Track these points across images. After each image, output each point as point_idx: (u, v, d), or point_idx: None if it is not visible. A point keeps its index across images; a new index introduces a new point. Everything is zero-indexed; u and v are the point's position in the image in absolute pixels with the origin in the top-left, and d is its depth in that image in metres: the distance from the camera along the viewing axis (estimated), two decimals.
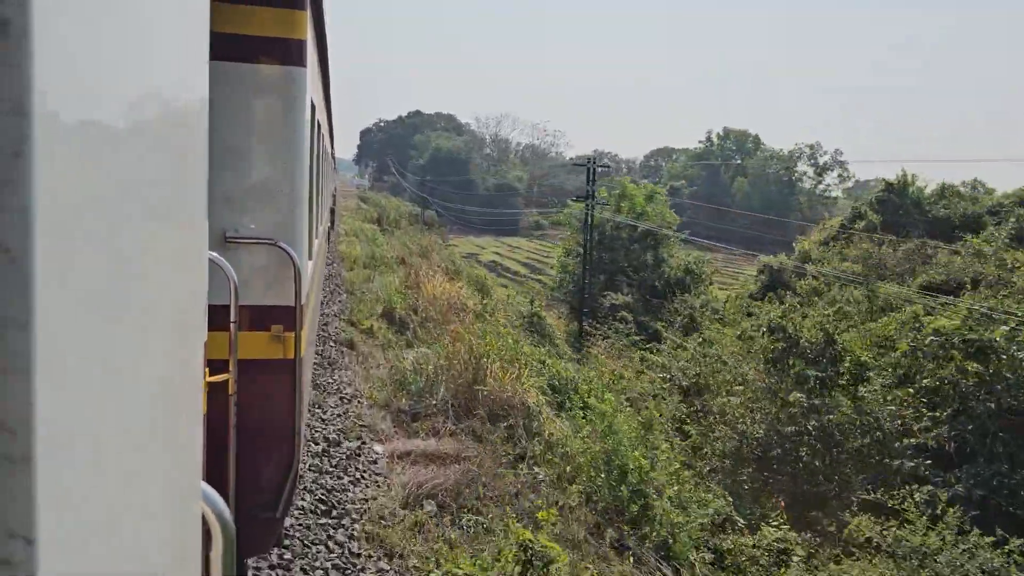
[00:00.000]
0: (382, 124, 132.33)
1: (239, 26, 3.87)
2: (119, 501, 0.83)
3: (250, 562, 4.93)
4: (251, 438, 3.99)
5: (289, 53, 4.00)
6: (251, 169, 3.99)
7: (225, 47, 3.77)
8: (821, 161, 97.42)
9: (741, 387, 18.70)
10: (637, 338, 28.98)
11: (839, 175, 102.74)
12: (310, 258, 5.00)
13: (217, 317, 3.52)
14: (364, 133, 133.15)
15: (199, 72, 1.19)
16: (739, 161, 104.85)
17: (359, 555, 5.86)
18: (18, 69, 0.55)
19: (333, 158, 22.64)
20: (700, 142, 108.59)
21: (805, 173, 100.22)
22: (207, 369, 2.93)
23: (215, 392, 3.59)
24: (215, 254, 3.50)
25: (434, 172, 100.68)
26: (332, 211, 21.68)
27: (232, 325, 3.66)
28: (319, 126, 6.37)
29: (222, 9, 3.74)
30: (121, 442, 0.84)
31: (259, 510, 4.17)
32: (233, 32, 3.84)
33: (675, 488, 10.46)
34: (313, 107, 4.92)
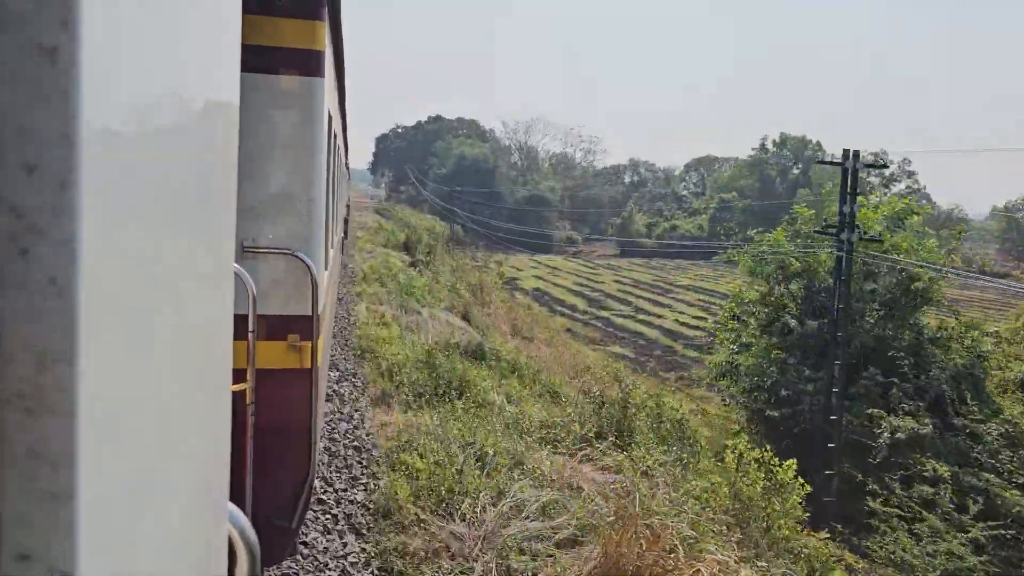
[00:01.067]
0: (400, 130, 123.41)
1: (257, 37, 3.91)
2: (155, 530, 0.84)
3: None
4: (268, 446, 3.96)
5: (307, 64, 4.06)
6: (269, 179, 4.03)
7: (244, 57, 2.92)
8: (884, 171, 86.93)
9: None
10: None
11: (907, 187, 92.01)
12: (326, 267, 5.08)
13: (236, 327, 2.67)
14: (380, 140, 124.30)
15: (233, 86, 1.19)
16: (796, 170, 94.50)
17: None
18: (66, 97, 0.56)
19: (347, 168, 22.22)
20: (753, 150, 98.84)
21: (869, 184, 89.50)
22: None
23: (233, 401, 2.95)
24: (238, 267, 3.37)
25: (458, 182, 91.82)
26: (346, 221, 21.43)
27: (250, 335, 3.68)
28: (335, 136, 6.43)
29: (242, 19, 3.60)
30: (158, 470, 0.84)
31: (274, 518, 4.14)
32: (251, 43, 3.83)
33: None
34: (330, 117, 5.00)
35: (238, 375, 3.61)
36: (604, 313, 41.55)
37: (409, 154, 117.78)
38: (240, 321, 3.47)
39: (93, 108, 0.58)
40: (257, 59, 3.92)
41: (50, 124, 0.55)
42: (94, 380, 0.60)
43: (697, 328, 37.72)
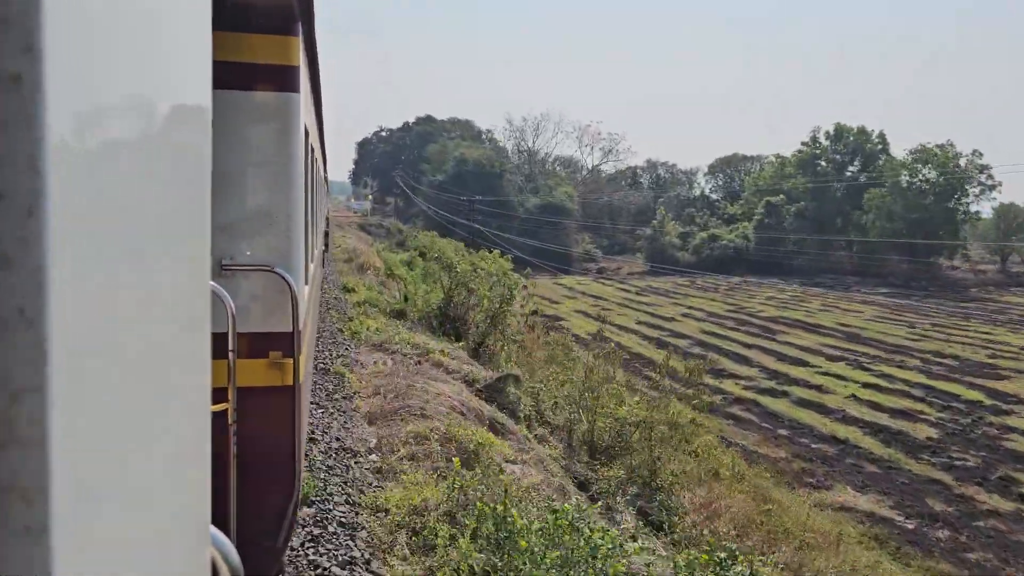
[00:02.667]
0: (384, 133, 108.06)
1: (232, 53, 3.88)
2: (135, 558, 0.83)
3: None
4: (251, 465, 3.93)
5: (283, 79, 4.04)
6: (246, 196, 3.99)
7: (219, 74, 3.25)
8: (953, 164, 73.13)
9: None
10: None
11: (980, 185, 77.81)
12: (306, 282, 5.07)
13: (215, 345, 3.37)
14: (362, 145, 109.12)
15: (204, 96, 1.18)
16: (854, 166, 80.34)
17: None
18: (31, 125, 0.55)
19: (326, 180, 21.80)
20: (804, 145, 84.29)
21: (930, 181, 75.23)
22: None
23: (214, 422, 3.26)
24: (216, 285, 3.43)
25: (457, 189, 75.81)
26: (327, 233, 22.29)
27: (230, 354, 3.62)
28: (312, 150, 6.47)
29: (216, 36, 3.64)
30: (136, 498, 0.84)
31: (260, 538, 4.10)
32: (226, 60, 3.82)
33: None
34: (307, 131, 5.01)
35: (219, 394, 3.58)
36: (729, 386, 26.57)
37: (395, 160, 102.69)
38: (220, 339, 3.51)
39: (59, 133, 0.57)
40: (232, 76, 3.88)
41: (15, 151, 0.54)
42: (66, 411, 0.59)
43: (911, 418, 22.85)
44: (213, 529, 1.32)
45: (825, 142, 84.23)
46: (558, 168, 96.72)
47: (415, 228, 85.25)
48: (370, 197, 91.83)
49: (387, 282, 32.94)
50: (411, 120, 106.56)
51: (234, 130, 3.93)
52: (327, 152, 18.12)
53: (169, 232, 0.96)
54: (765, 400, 24.71)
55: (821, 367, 29.83)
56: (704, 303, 51.38)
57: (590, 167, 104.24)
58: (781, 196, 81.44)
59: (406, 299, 20.93)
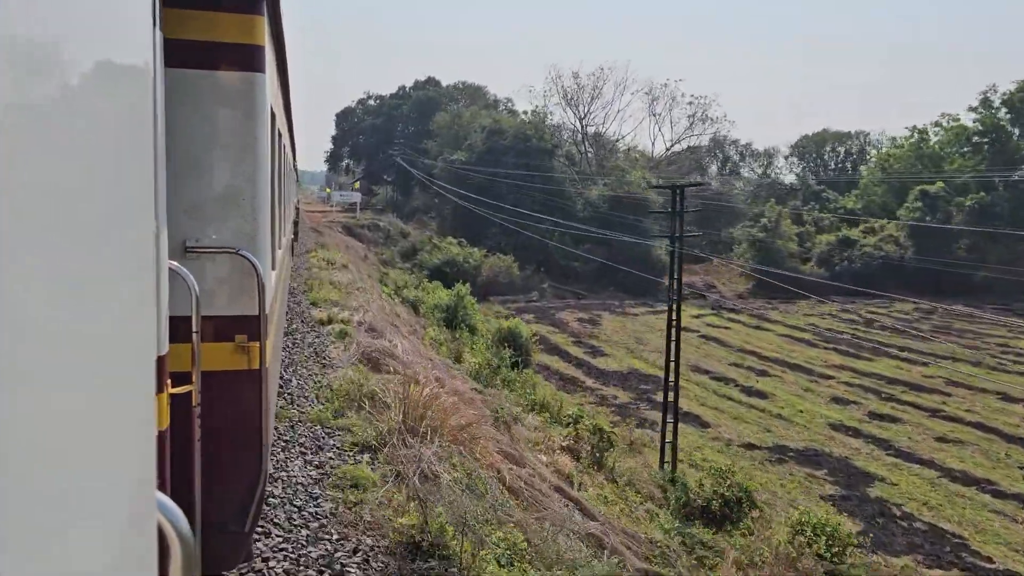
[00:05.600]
0: (373, 102, 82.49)
1: (195, 32, 3.82)
2: (61, 520, 0.82)
3: None
4: (217, 450, 3.89)
5: (247, 59, 3.96)
6: (211, 178, 3.94)
7: (182, 54, 3.67)
8: None
9: None
10: None
11: None
12: (273, 268, 5.04)
13: (179, 328, 3.43)
14: (343, 118, 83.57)
15: (144, 48, 1.10)
16: None
17: None
18: None
19: (296, 169, 22.05)
20: (972, 110, 60.53)
21: None
22: (170, 381, 2.85)
23: (178, 405, 3.35)
24: (175, 263, 3.34)
25: (487, 173, 51.04)
26: (296, 223, 21.04)
27: (194, 335, 3.55)
28: (280, 135, 6.41)
29: (177, 15, 3.68)
30: (61, 458, 0.83)
31: (226, 524, 4.06)
32: (189, 39, 3.77)
33: None
34: (273, 115, 4.94)
35: (184, 378, 3.55)
36: None
37: (387, 136, 77.54)
38: (184, 321, 3.48)
39: None
40: (195, 55, 3.81)
41: None
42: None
43: None
44: (162, 497, 1.30)
45: (1001, 105, 60.18)
46: (623, 143, 70.66)
47: (425, 229, 60.33)
48: (358, 185, 67.03)
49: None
50: (408, 84, 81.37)
51: (198, 111, 3.84)
52: (297, 140, 17.29)
53: (105, 203, 0.91)
54: None
55: None
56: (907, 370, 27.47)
57: (667, 142, 78.35)
58: (939, 184, 57.75)
59: None
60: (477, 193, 51.32)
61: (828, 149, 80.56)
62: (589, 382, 26.57)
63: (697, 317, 41.79)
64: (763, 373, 28.50)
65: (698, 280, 59.29)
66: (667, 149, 72.00)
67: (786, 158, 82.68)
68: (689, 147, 74.61)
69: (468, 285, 42.41)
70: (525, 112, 63.06)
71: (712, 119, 72.51)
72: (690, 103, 71.35)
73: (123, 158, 1.00)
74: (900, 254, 55.68)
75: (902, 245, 56.33)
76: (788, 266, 55.12)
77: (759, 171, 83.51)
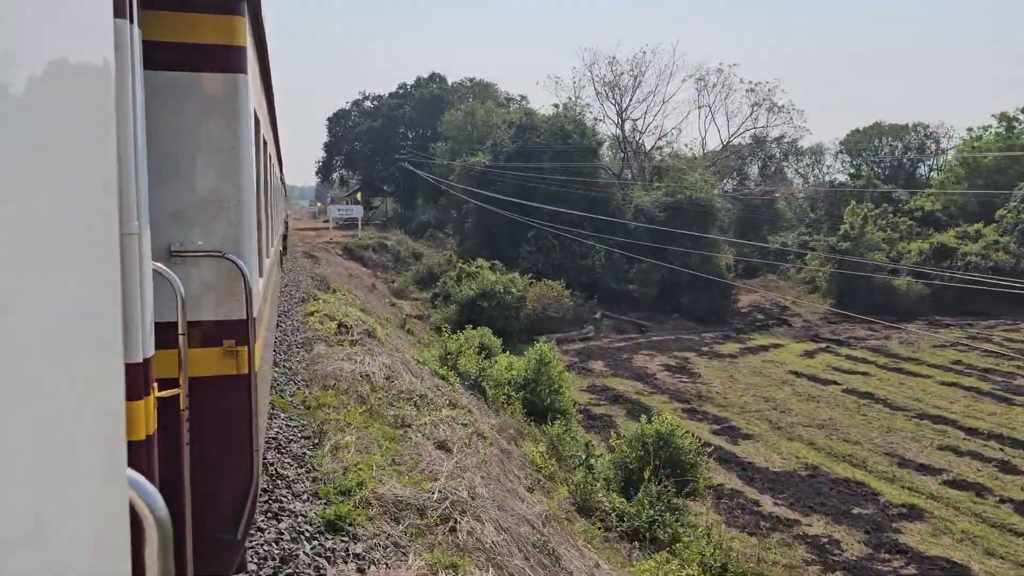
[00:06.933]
0: (371, 103, 73.11)
1: (175, 33, 3.81)
2: (39, 500, 0.83)
3: None
4: (208, 457, 3.88)
5: (228, 61, 3.93)
6: (195, 181, 3.92)
7: (163, 56, 3.69)
8: None
9: None
10: None
11: None
12: (261, 275, 5.01)
13: (166, 334, 3.48)
14: (336, 121, 73.95)
15: (103, 41, 1.10)
16: None
17: None
18: None
19: (283, 183, 21.49)
20: None
21: None
22: (155, 385, 2.93)
23: (166, 409, 3.40)
24: (161, 265, 3.40)
25: (516, 178, 41.75)
26: (285, 237, 20.73)
27: (180, 338, 3.55)
28: (265, 143, 6.34)
29: (157, 16, 3.68)
30: (40, 441, 0.85)
31: (218, 532, 4.00)
32: (168, 40, 3.76)
33: None
34: (257, 121, 4.91)
35: (173, 384, 3.53)
36: None
37: (386, 140, 68.07)
38: (171, 327, 3.49)
39: None
40: (176, 57, 3.78)
41: None
42: None
43: None
44: (135, 475, 1.27)
45: None
46: (668, 140, 60.37)
47: (439, 247, 50.63)
48: (360, 196, 57.09)
49: None
50: (410, 83, 71.85)
51: (179, 114, 3.82)
52: (285, 154, 17.26)
53: (55, 190, 0.90)
54: None
55: None
56: None
57: (722, 137, 67.80)
58: None
59: None
60: (507, 203, 41.76)
61: (883, 144, 71.56)
62: (764, 503, 16.85)
63: (810, 356, 32.31)
64: (1003, 465, 19.04)
65: (760, 299, 50.02)
66: (723, 144, 62.22)
67: (836, 155, 73.69)
68: (756, 138, 64.88)
69: (516, 322, 33.19)
70: (556, 105, 53.42)
71: (779, 107, 61.96)
72: (751, 90, 60.96)
73: (80, 157, 0.97)
74: (1010, 263, 46.53)
75: (1012, 253, 47.19)
76: (876, 282, 46.01)
77: (805, 171, 74.54)
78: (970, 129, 61.30)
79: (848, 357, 32.28)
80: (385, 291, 36.98)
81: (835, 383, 27.05)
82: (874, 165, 70.25)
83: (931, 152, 68.74)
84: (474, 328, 32.04)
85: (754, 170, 71.25)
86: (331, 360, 10.63)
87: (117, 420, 1.16)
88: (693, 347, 33.72)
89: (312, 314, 15.01)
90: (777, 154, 72.32)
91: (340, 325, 13.53)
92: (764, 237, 57.51)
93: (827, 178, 72.78)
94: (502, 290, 32.37)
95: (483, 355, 21.65)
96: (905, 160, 69.77)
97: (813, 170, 74.11)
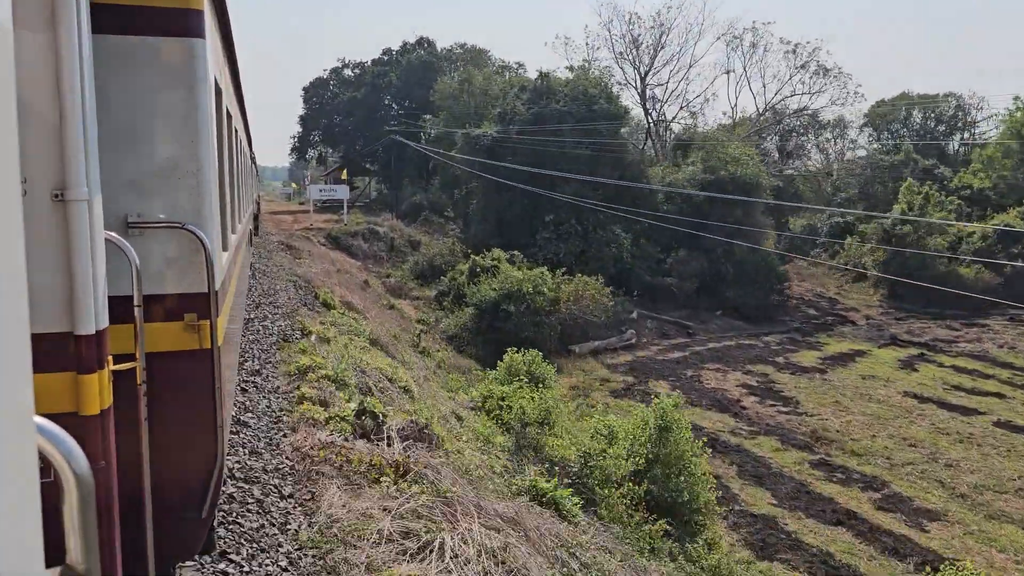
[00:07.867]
0: (351, 71, 65.87)
1: None
2: None
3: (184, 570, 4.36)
4: (171, 434, 3.79)
5: (185, 24, 3.78)
6: (152, 151, 3.78)
7: (114, 19, 3.55)
8: None
9: None
10: None
11: None
12: (226, 249, 4.92)
13: (122, 308, 3.40)
14: (312, 92, 66.53)
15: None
16: None
17: None
18: None
19: (254, 162, 20.62)
20: None
21: None
22: (111, 358, 2.88)
23: (123, 384, 3.28)
24: (114, 235, 3.29)
25: (532, 153, 34.88)
26: (256, 216, 20.08)
27: (136, 309, 3.44)
28: (230, 116, 6.21)
29: None
30: None
31: (183, 509, 3.90)
32: (122, 3, 3.61)
33: None
34: (219, 91, 4.78)
35: (131, 359, 3.42)
36: None
37: (371, 112, 60.94)
38: (127, 300, 3.41)
39: None
40: (126, 19, 3.62)
41: None
42: None
43: None
44: (50, 425, 1.22)
45: None
46: (694, 110, 52.88)
47: (436, 233, 43.88)
48: (345, 174, 49.92)
49: None
50: (395, 48, 64.50)
51: (133, 80, 3.66)
52: (255, 132, 17.40)
53: None
54: None
55: None
56: None
57: (758, 103, 61.07)
58: None
59: None
60: (524, 180, 35.11)
61: (914, 115, 65.74)
62: None
63: (910, 369, 26.26)
64: None
65: (806, 291, 44.09)
66: (760, 112, 55.65)
67: (861, 128, 67.74)
68: (800, 107, 58.08)
69: (549, 329, 26.73)
70: (570, 67, 46.53)
71: (826, 69, 55.07)
72: (791, 51, 54.21)
73: None
74: None
75: None
76: (937, 272, 40.16)
77: (825, 145, 68.52)
78: (1017, 98, 55.64)
79: (956, 369, 26.33)
80: (380, 289, 30.34)
81: (975, 411, 21.05)
82: (904, 139, 64.49)
83: (968, 124, 63.07)
84: (495, 334, 25.72)
85: (769, 141, 65.01)
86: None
87: (22, 354, 1.02)
88: (763, 357, 27.56)
89: (303, 373, 8.53)
90: (793, 122, 66.16)
91: (362, 412, 7.07)
92: (781, 220, 51.59)
93: (851, 153, 66.92)
94: (531, 290, 25.87)
95: (534, 385, 15.37)
96: (937, 133, 64.06)
97: (834, 144, 68.13)
